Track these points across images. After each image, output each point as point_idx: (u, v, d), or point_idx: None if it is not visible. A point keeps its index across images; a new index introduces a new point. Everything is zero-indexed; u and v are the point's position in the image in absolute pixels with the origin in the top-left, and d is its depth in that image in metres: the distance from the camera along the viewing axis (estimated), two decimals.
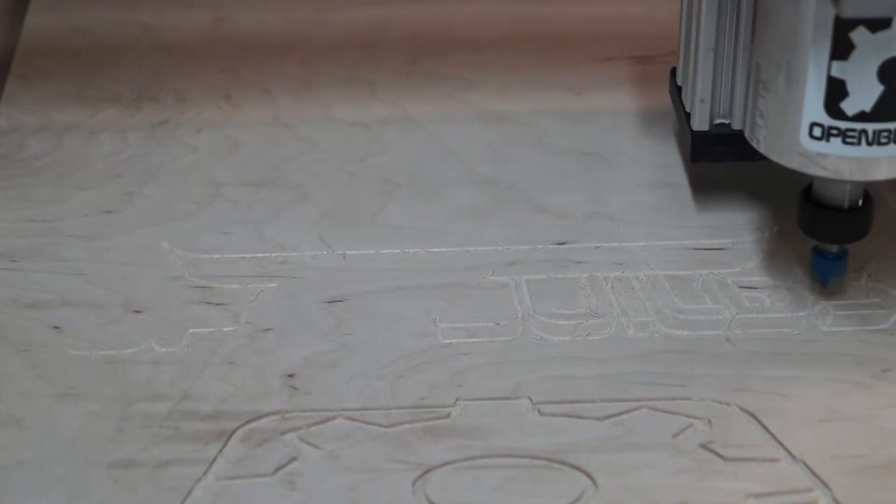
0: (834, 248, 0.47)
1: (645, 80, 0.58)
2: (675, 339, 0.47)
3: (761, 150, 0.45)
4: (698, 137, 0.49)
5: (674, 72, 0.52)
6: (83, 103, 0.58)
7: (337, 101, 0.58)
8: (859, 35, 0.42)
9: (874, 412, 0.44)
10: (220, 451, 0.43)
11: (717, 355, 0.46)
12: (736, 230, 0.51)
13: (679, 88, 0.51)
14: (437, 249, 0.50)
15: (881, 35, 0.42)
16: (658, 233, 0.51)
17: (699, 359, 0.46)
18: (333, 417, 0.44)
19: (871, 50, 0.42)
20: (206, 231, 0.51)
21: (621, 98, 0.57)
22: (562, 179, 0.53)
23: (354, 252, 0.50)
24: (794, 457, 0.42)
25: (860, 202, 0.46)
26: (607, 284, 0.49)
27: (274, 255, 0.50)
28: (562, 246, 0.50)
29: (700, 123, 0.49)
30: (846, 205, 0.46)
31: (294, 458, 0.42)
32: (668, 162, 0.54)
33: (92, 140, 0.56)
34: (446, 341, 0.47)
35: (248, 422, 0.44)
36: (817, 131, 0.43)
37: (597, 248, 0.50)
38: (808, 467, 0.42)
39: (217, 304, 0.48)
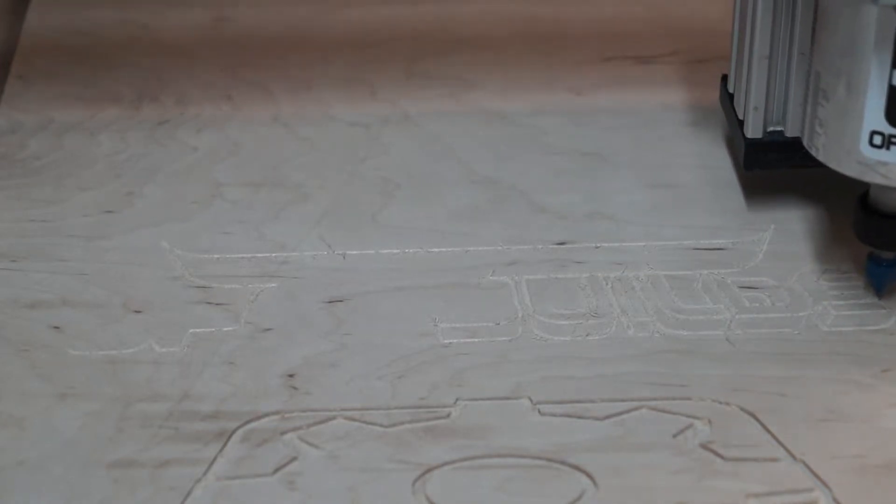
0: (890, 256, 0.47)
1: (645, 81, 0.58)
2: (675, 339, 0.47)
3: (820, 157, 0.45)
4: (752, 145, 0.49)
5: (724, 79, 0.52)
6: (83, 103, 0.58)
7: (337, 101, 0.58)
8: None
9: (874, 412, 0.44)
10: (220, 451, 0.43)
11: (717, 355, 0.46)
12: (736, 230, 0.51)
13: (731, 95, 0.51)
14: (437, 249, 0.50)
15: None
16: (658, 233, 0.51)
17: (699, 359, 0.46)
18: (333, 417, 0.44)
19: None
20: (206, 231, 0.51)
21: (621, 98, 0.57)
22: (562, 179, 0.53)
23: (354, 252, 0.50)
24: (794, 457, 0.42)
25: None
26: (607, 284, 0.49)
27: (274, 255, 0.50)
28: (562, 246, 0.50)
29: (754, 131, 0.49)
30: None
31: (294, 458, 0.42)
32: (669, 162, 0.54)
33: (92, 140, 0.56)
34: (446, 341, 0.47)
35: (248, 422, 0.44)
36: (877, 139, 0.43)
37: (597, 248, 0.50)
38: (808, 467, 0.42)
39: (217, 304, 0.48)
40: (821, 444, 0.43)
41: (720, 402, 0.44)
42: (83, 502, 0.41)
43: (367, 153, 0.55)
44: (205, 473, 0.42)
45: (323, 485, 0.42)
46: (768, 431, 0.43)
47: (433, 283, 0.49)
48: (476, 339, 0.47)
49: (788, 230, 0.50)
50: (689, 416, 0.44)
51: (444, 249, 0.50)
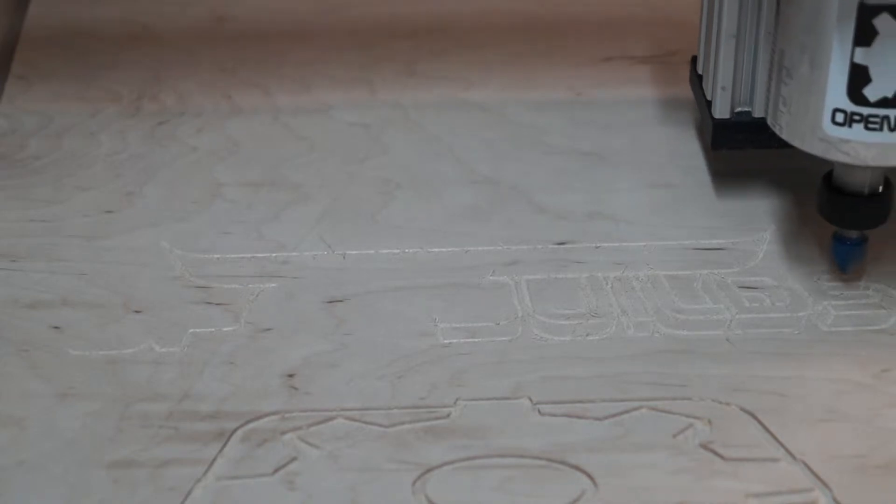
0: (854, 234, 0.47)
1: (645, 81, 0.58)
2: (675, 339, 0.47)
3: (783, 136, 0.46)
4: (719, 125, 0.49)
5: (694, 60, 0.52)
6: (83, 103, 0.58)
7: (337, 101, 0.58)
8: (882, 21, 0.42)
9: (874, 412, 0.44)
10: (220, 451, 0.43)
11: (717, 355, 0.46)
12: (736, 230, 0.51)
13: (699, 77, 0.51)
14: (437, 249, 0.50)
15: None
16: (658, 233, 0.51)
17: (699, 359, 0.46)
18: (333, 417, 0.44)
19: (894, 36, 0.42)
20: (206, 231, 0.51)
21: (621, 98, 0.57)
22: (562, 179, 0.53)
23: (354, 252, 0.50)
24: (794, 457, 0.42)
25: (880, 188, 0.46)
26: (607, 284, 0.49)
27: (274, 255, 0.50)
28: (562, 246, 0.50)
29: (721, 111, 0.49)
30: (867, 191, 0.46)
31: (294, 458, 0.42)
32: (669, 162, 0.54)
33: (92, 140, 0.56)
34: (446, 341, 0.47)
35: (248, 422, 0.44)
36: (840, 117, 0.43)
37: (597, 248, 0.50)
38: (808, 467, 0.42)
39: (217, 304, 0.48)
40: (821, 444, 0.43)
41: (720, 402, 0.44)
42: (83, 502, 0.41)
43: (367, 153, 0.55)
44: (205, 473, 0.42)
45: (323, 485, 0.42)
46: (768, 431, 0.43)
47: (433, 283, 0.49)
48: (476, 339, 0.47)
49: (788, 230, 0.50)
50: (688, 416, 0.44)
51: (444, 249, 0.50)
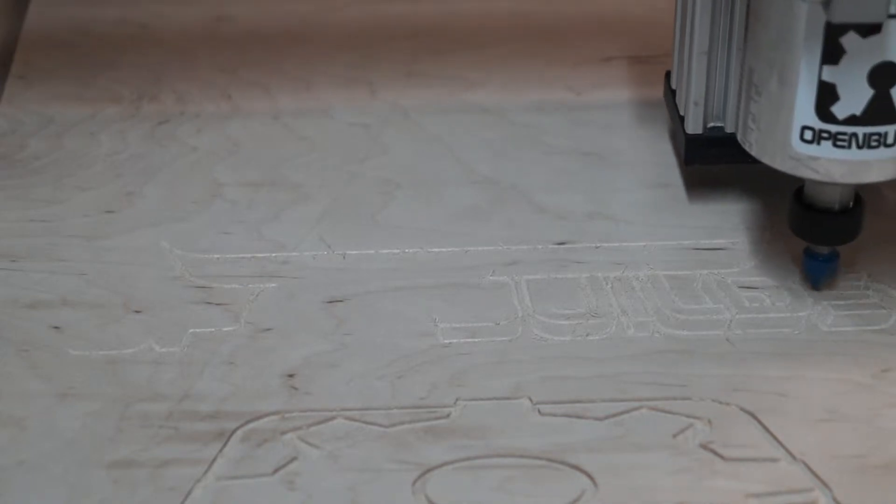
0: (825, 250, 0.47)
1: (645, 80, 0.58)
2: (675, 339, 0.47)
3: (753, 153, 0.46)
4: (692, 140, 0.50)
5: (668, 75, 0.52)
6: (83, 103, 0.58)
7: (337, 101, 0.58)
8: (850, 40, 0.42)
9: (874, 412, 0.44)
10: (220, 451, 0.43)
11: (717, 355, 0.46)
12: (736, 230, 0.51)
13: (673, 92, 0.51)
14: (437, 249, 0.50)
15: (871, 40, 0.42)
16: (658, 233, 0.51)
17: (699, 359, 0.46)
18: (333, 417, 0.44)
19: (861, 55, 0.42)
20: (206, 231, 0.51)
21: (621, 98, 0.57)
22: (562, 179, 0.53)
23: (354, 252, 0.50)
24: (794, 457, 0.42)
25: (851, 204, 0.46)
26: (607, 284, 0.49)
27: (274, 255, 0.50)
28: (562, 246, 0.50)
29: (694, 127, 0.50)
30: (837, 207, 0.46)
31: (294, 458, 0.42)
32: (669, 162, 0.54)
33: (92, 140, 0.56)
34: (446, 341, 0.47)
35: (248, 422, 0.44)
36: (808, 135, 0.44)
37: (597, 248, 0.50)
38: (808, 467, 0.42)
39: (217, 304, 0.48)
40: (821, 444, 0.43)
41: (720, 402, 0.44)
42: (83, 502, 0.41)
43: (367, 153, 0.55)
44: (205, 473, 0.42)
45: (323, 485, 0.42)
46: (768, 431, 0.43)
47: (433, 283, 0.49)
48: (476, 339, 0.47)
49: (788, 230, 0.50)
50: (688, 416, 0.44)
51: (444, 249, 0.50)
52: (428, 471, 0.42)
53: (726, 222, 0.51)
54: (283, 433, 0.43)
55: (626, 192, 0.53)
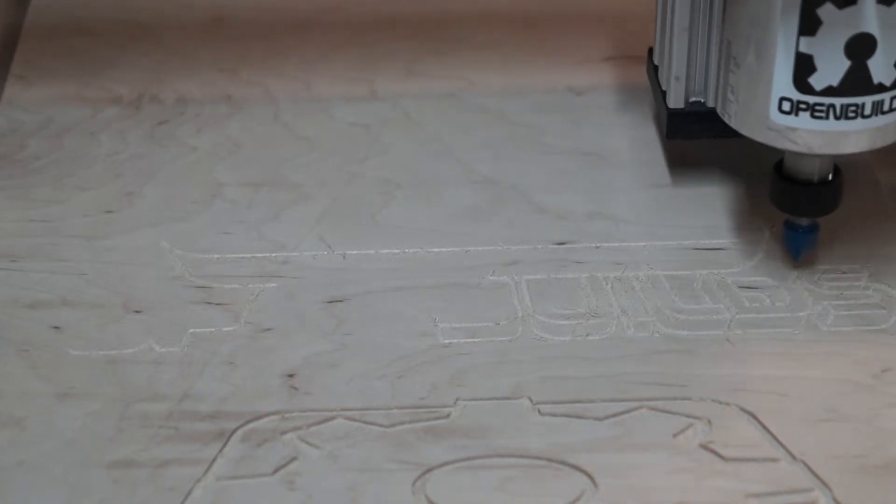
0: (805, 222, 0.47)
1: (644, 80, 0.58)
2: (675, 339, 0.47)
3: (732, 124, 0.46)
4: (674, 115, 0.50)
5: (651, 51, 0.53)
6: (83, 103, 0.58)
7: (337, 101, 0.58)
8: (826, 11, 0.42)
9: (874, 412, 0.44)
10: (220, 451, 0.43)
11: (717, 355, 0.46)
12: (735, 230, 0.51)
13: (656, 68, 0.52)
14: (437, 249, 0.50)
15: (848, 11, 0.42)
16: (658, 233, 0.51)
17: (699, 359, 0.46)
18: (333, 417, 0.44)
19: (837, 26, 0.42)
20: (206, 231, 0.51)
21: (622, 98, 0.57)
22: (562, 179, 0.53)
23: (354, 252, 0.50)
24: (794, 457, 0.42)
25: (830, 176, 0.47)
26: (607, 284, 0.49)
27: (274, 255, 0.50)
28: (562, 246, 0.50)
29: (675, 101, 0.50)
30: (816, 178, 0.47)
31: (294, 458, 0.42)
32: (669, 162, 0.54)
33: (92, 140, 0.56)
34: (446, 341, 0.47)
35: (248, 422, 0.44)
36: (786, 106, 0.44)
37: (597, 248, 0.50)
38: (808, 467, 0.42)
39: (217, 304, 0.48)
40: (821, 444, 0.43)
41: (720, 402, 0.44)
42: (83, 502, 0.41)
43: (367, 153, 0.55)
44: (205, 473, 0.42)
45: (323, 485, 0.42)
46: (768, 431, 0.43)
47: (433, 283, 0.49)
48: (476, 339, 0.47)
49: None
50: (688, 416, 0.44)
51: (444, 249, 0.50)
52: (428, 471, 0.42)
53: (726, 222, 0.51)
54: (283, 433, 0.43)
55: (626, 192, 0.53)
